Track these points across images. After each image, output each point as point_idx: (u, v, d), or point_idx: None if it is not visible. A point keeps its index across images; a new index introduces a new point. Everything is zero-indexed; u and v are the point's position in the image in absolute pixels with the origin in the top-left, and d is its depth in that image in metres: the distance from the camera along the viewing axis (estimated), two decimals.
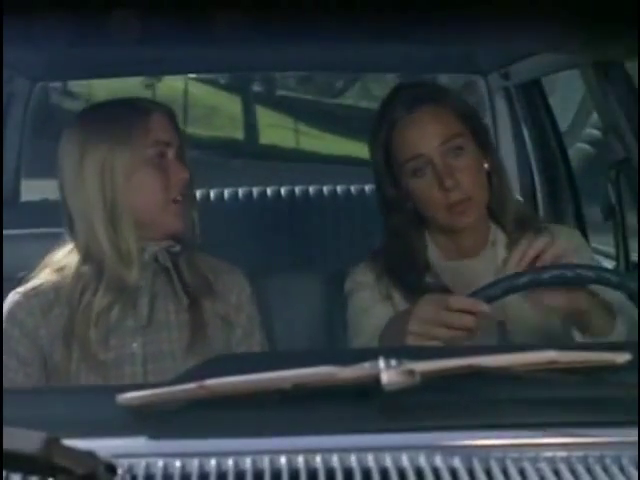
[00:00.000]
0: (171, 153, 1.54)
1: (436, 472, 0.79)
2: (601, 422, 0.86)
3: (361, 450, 0.81)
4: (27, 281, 1.56)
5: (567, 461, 0.81)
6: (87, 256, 1.53)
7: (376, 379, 0.85)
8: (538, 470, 0.79)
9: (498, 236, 1.64)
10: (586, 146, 3.53)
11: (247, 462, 0.80)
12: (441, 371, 0.87)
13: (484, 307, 1.30)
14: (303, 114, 14.05)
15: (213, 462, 0.80)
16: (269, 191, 2.95)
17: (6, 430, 0.71)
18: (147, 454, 0.82)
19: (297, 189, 2.96)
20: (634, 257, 2.26)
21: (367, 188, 2.88)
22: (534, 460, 0.81)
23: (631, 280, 1.38)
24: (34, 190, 2.91)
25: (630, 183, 2.14)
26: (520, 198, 2.64)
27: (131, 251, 1.50)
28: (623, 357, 0.91)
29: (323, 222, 2.87)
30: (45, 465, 0.71)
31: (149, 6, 1.00)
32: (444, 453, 0.81)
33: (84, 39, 1.21)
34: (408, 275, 1.61)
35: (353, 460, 0.80)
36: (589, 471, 0.79)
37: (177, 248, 1.56)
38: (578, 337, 1.41)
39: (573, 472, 0.79)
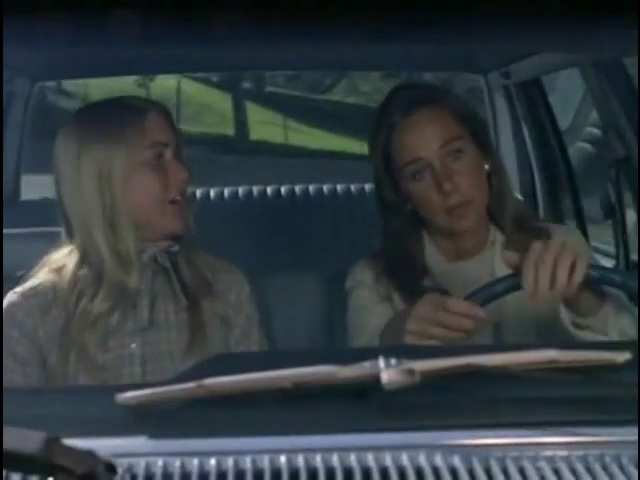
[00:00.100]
0: (169, 153, 1.53)
1: (436, 471, 0.79)
2: (601, 421, 0.86)
3: (361, 449, 0.81)
4: (25, 281, 1.55)
5: (567, 460, 0.81)
6: (84, 259, 1.52)
7: (376, 378, 0.85)
8: (538, 469, 0.79)
9: (497, 237, 1.64)
10: (586, 145, 3.53)
11: (247, 461, 0.80)
12: (441, 370, 0.87)
13: (479, 312, 1.31)
14: (292, 110, 14.17)
15: (213, 461, 0.80)
16: (269, 190, 2.95)
17: (6, 430, 0.71)
18: (147, 453, 0.82)
19: (297, 188, 2.95)
20: (634, 256, 2.26)
21: (367, 187, 2.88)
22: (534, 459, 0.81)
23: (632, 279, 1.38)
24: (34, 185, 2.90)
25: (630, 182, 2.14)
26: (520, 197, 2.64)
27: (130, 253, 1.50)
28: (623, 356, 0.91)
29: (323, 221, 2.87)
30: (45, 465, 0.72)
31: (149, 6, 1.00)
32: (444, 452, 0.81)
33: (84, 39, 1.21)
34: (407, 277, 1.61)
35: (353, 459, 0.80)
36: (589, 470, 0.79)
37: (176, 248, 1.56)
38: (564, 315, 1.41)
39: (573, 471, 0.79)
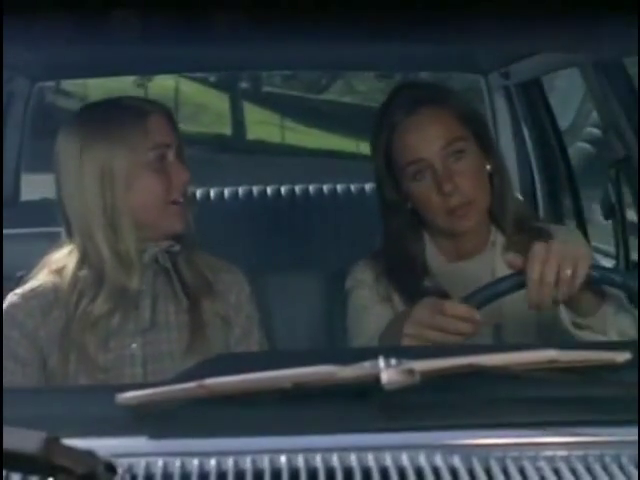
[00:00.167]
0: (171, 154, 1.53)
1: (436, 471, 0.79)
2: (601, 421, 0.86)
3: (361, 449, 0.81)
4: (26, 281, 1.55)
5: (567, 460, 0.81)
6: (85, 259, 1.52)
7: (376, 378, 0.85)
8: (538, 469, 0.79)
9: (498, 238, 1.64)
10: (586, 145, 3.53)
11: (247, 461, 0.80)
12: (441, 370, 0.87)
13: (476, 315, 1.30)
14: (288, 110, 14.22)
15: (213, 461, 0.80)
16: (269, 190, 2.95)
17: (6, 430, 0.71)
18: (147, 453, 0.82)
19: (297, 188, 2.95)
20: (634, 256, 2.26)
21: (367, 187, 2.88)
22: (534, 459, 0.81)
23: (632, 279, 1.38)
24: (34, 185, 2.90)
25: (630, 182, 2.14)
26: (520, 197, 2.64)
27: (131, 254, 1.49)
28: (623, 356, 0.91)
29: (323, 221, 2.87)
30: (45, 465, 0.72)
31: (148, 6, 1.00)
32: (444, 452, 0.81)
33: (83, 39, 1.21)
34: (407, 278, 1.61)
35: (353, 459, 0.80)
36: (589, 470, 0.79)
37: (177, 248, 1.55)
38: (565, 315, 1.41)
39: (573, 471, 0.79)
